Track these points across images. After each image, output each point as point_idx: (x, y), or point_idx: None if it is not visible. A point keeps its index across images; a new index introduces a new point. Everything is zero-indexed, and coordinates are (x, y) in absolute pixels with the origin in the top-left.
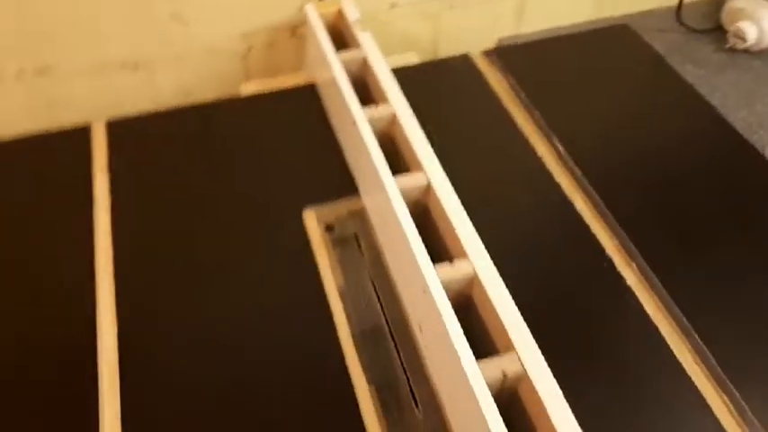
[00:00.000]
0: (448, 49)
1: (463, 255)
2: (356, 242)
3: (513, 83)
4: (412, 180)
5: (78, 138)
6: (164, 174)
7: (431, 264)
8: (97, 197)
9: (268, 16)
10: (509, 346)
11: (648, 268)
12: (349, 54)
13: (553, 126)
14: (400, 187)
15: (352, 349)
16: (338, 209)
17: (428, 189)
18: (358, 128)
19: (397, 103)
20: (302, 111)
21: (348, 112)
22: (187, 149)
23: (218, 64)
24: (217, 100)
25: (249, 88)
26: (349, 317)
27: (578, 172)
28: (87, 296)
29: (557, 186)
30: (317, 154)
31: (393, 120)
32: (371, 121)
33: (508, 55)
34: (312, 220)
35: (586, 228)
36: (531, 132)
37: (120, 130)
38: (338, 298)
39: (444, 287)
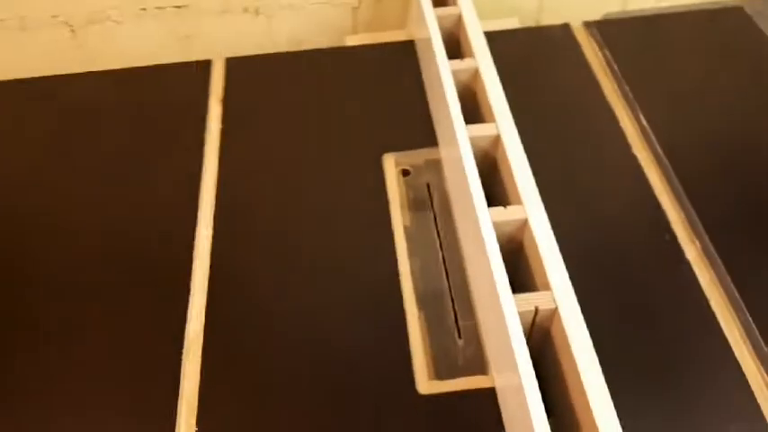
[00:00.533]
0: (552, 19)
1: (518, 201)
2: (427, 189)
3: (609, 56)
4: (482, 130)
5: (200, 71)
6: (271, 108)
7: (485, 205)
8: (210, 123)
9: None
10: (546, 286)
11: (711, 247)
12: (445, 10)
13: (640, 101)
14: (470, 135)
15: (409, 280)
16: (416, 157)
17: (497, 140)
18: (441, 79)
19: (482, 58)
20: (399, 64)
21: (435, 64)
22: (293, 89)
23: (330, 15)
24: (325, 48)
25: (354, 40)
26: (410, 252)
27: (658, 148)
28: (190, 211)
29: (633, 158)
30: (406, 105)
31: (476, 74)
32: (454, 73)
33: (609, 28)
34: (390, 164)
35: (656, 200)
36: (617, 105)
37: (236, 67)
38: (403, 233)
39: (495, 227)
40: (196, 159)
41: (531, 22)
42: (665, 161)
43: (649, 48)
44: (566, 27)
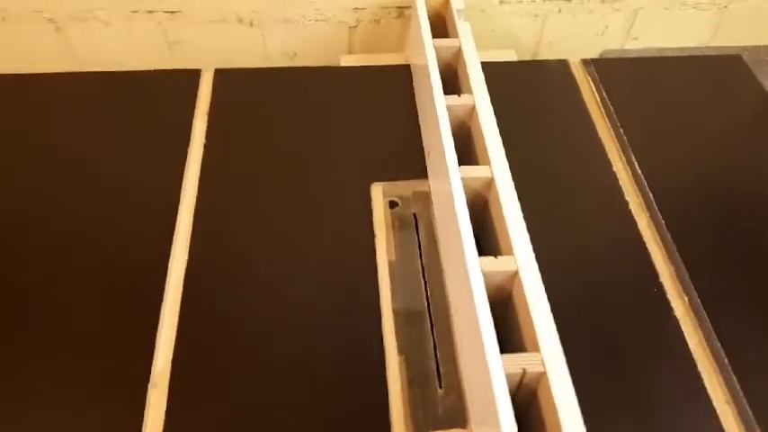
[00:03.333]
0: (549, 53)
1: (509, 251)
2: (414, 221)
3: (605, 96)
4: (476, 171)
5: (188, 81)
6: (258, 126)
7: (476, 253)
8: (193, 137)
9: None
10: (535, 346)
11: (700, 304)
12: (444, 41)
13: (634, 144)
14: (463, 176)
15: (390, 319)
16: (404, 188)
17: (490, 183)
18: (437, 115)
19: (479, 95)
20: (393, 89)
21: (430, 97)
22: (282, 107)
23: (327, 33)
24: (317, 66)
25: (349, 60)
26: (394, 291)
27: (650, 194)
28: (165, 232)
29: (624, 204)
30: (397, 132)
31: (472, 111)
32: (450, 109)
33: (606, 67)
34: (378, 194)
35: (645, 250)
36: (611, 147)
37: (225, 80)
38: (387, 268)
39: (485, 278)
40: (176, 176)
41: (528, 55)
42: (656, 209)
43: (646, 90)
44: (563, 63)
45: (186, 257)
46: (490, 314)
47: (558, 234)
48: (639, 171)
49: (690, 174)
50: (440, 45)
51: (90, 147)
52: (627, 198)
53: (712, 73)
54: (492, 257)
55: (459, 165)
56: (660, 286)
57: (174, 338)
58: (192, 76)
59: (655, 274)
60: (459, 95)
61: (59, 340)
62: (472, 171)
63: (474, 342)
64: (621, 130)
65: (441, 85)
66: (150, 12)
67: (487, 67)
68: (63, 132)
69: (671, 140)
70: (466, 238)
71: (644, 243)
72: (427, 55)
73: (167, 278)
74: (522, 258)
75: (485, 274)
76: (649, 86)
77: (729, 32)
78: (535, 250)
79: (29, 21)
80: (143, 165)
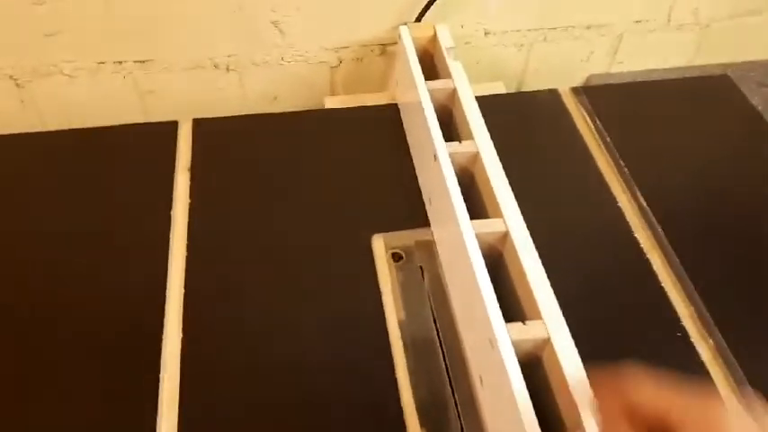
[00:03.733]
0: (535, 81)
1: (537, 315)
2: (421, 274)
3: (599, 125)
4: (489, 225)
5: (165, 133)
6: (245, 179)
7: (503, 324)
8: (176, 198)
9: (362, 32)
10: (578, 424)
11: (725, 345)
12: (438, 83)
13: (636, 176)
14: (477, 232)
15: (408, 390)
16: (406, 238)
17: (505, 237)
18: (439, 163)
19: (482, 141)
20: (382, 131)
21: (430, 145)
22: (269, 157)
23: (307, 74)
24: (301, 110)
25: (334, 102)
26: (408, 354)
27: (659, 228)
28: (157, 295)
29: (635, 241)
30: (392, 177)
31: (475, 158)
32: (452, 156)
33: (597, 95)
34: (380, 247)
35: (662, 291)
36: (612, 180)
37: (205, 130)
38: (398, 331)
39: (514, 346)
40: (161, 243)
41: (514, 84)
42: (667, 244)
43: (639, 116)
44: (554, 93)
45: (180, 335)
46: (526, 391)
47: (571, 283)
48: (645, 204)
49: (695, 201)
50: (433, 87)
51: (62, 214)
52: (636, 235)
53: (702, 93)
54: (520, 324)
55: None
56: (683, 329)
57: (176, 421)
58: (169, 128)
59: (676, 317)
60: (460, 142)
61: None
62: (485, 226)
63: (509, 416)
64: (621, 162)
65: (440, 132)
66: (119, 62)
67: (478, 101)
68: (31, 200)
69: (671, 167)
70: (490, 307)
71: (661, 285)
72: (421, 98)
73: (162, 357)
74: (552, 324)
75: (514, 343)
76: (642, 112)
77: (712, 50)
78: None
79: None
80: (123, 234)
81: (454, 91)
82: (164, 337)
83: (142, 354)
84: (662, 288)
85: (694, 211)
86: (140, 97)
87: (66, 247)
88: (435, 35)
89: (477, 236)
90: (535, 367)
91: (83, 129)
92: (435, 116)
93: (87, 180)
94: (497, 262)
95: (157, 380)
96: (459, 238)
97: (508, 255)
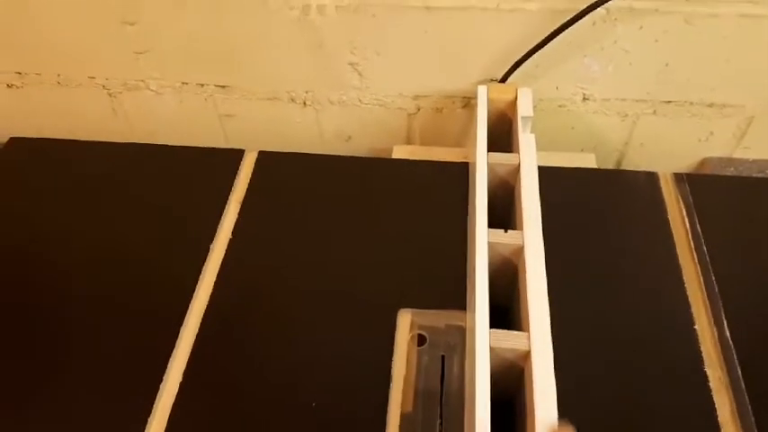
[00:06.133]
0: (640, 156)
1: None
2: (441, 364)
3: (697, 225)
4: (510, 340)
5: (230, 160)
6: (291, 222)
7: None
8: (221, 228)
9: (444, 82)
10: None
11: None
12: (501, 157)
13: (727, 298)
14: (493, 345)
15: None
16: (436, 318)
17: (526, 355)
18: (476, 252)
19: (531, 235)
20: (448, 192)
21: (473, 230)
22: (321, 202)
23: (384, 118)
24: (367, 157)
25: (403, 152)
26: None
27: (738, 370)
28: (176, 318)
29: (704, 379)
30: (443, 246)
31: (519, 252)
32: (494, 246)
33: (704, 186)
34: (405, 324)
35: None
36: (696, 298)
37: (267, 164)
38: (398, 420)
39: None
40: (194, 270)
41: (615, 157)
42: (744, 392)
43: (750, 219)
44: (651, 176)
45: (184, 368)
46: None
47: (614, 413)
48: (728, 335)
49: None
50: (495, 162)
51: (115, 222)
52: (707, 371)
53: None
54: None
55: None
56: None
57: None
58: (235, 156)
59: None
60: (506, 231)
61: None
62: (505, 340)
63: None
64: (713, 276)
65: (485, 218)
66: (201, 84)
67: (559, 174)
68: (93, 203)
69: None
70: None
71: (717, 416)
72: (478, 174)
73: (162, 384)
74: None
75: None
76: (755, 216)
77: None
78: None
79: (83, 86)
80: (163, 251)
81: (518, 168)
82: (168, 365)
83: (146, 373)
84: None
85: None
86: (219, 119)
87: (109, 247)
88: (515, 100)
89: (493, 350)
90: None
91: (159, 145)
92: (485, 196)
93: (148, 193)
94: (518, 380)
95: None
96: (474, 346)
97: (527, 379)
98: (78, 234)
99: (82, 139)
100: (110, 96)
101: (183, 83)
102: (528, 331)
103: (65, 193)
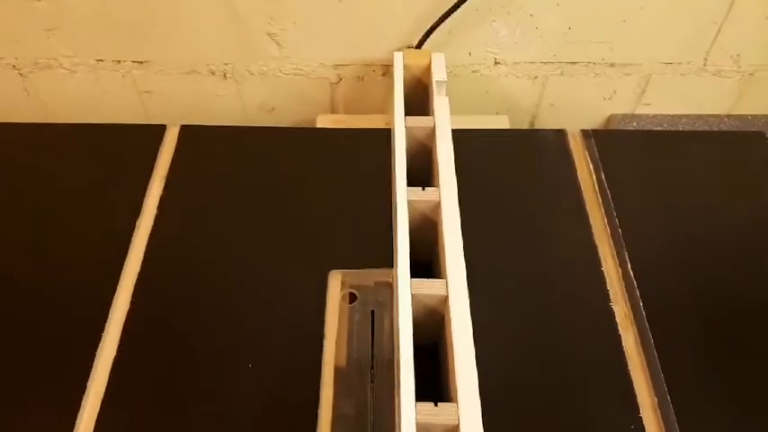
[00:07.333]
0: (550, 116)
1: (454, 398)
2: (371, 319)
3: (602, 177)
4: (430, 287)
5: (152, 136)
6: (217, 194)
7: (413, 399)
8: (146, 204)
9: (363, 51)
10: None
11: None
12: (416, 120)
13: (630, 241)
14: (414, 292)
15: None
16: (365, 277)
17: (444, 300)
18: (397, 209)
19: (447, 191)
20: (372, 157)
21: (394, 190)
22: (246, 173)
23: (307, 88)
24: (290, 127)
25: (326, 121)
26: (336, 406)
27: (640, 305)
28: (105, 300)
29: (610, 313)
30: (369, 210)
31: (436, 207)
32: (413, 204)
33: (609, 140)
34: (336, 284)
35: (627, 374)
36: (602, 240)
37: (189, 138)
38: (332, 377)
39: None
40: (121, 245)
41: (528, 118)
42: (646, 324)
43: (652, 171)
44: (560, 134)
45: (117, 342)
46: None
47: (531, 347)
48: (632, 274)
49: (689, 279)
50: (412, 125)
51: (37, 204)
52: (613, 306)
53: (730, 152)
54: (432, 404)
55: (417, 267)
56: (639, 422)
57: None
58: (157, 131)
59: (635, 407)
60: (424, 189)
61: None
62: (427, 287)
63: None
64: (617, 221)
65: (404, 177)
66: (117, 61)
67: (474, 135)
68: (11, 185)
69: (675, 236)
70: (405, 381)
71: (628, 369)
72: (396, 137)
73: (95, 361)
74: (464, 408)
75: (420, 424)
76: (656, 164)
77: (754, 101)
78: (501, 357)
79: None
80: (89, 230)
81: (434, 130)
82: (101, 341)
83: (78, 351)
84: (628, 372)
85: (685, 291)
86: (139, 96)
87: (33, 231)
88: (430, 64)
89: (415, 296)
90: None
91: (77, 124)
92: (404, 157)
93: (69, 172)
94: (440, 324)
95: (85, 383)
96: (397, 294)
97: (447, 323)
98: None
99: None
100: (21, 76)
101: (97, 60)
102: (446, 278)
103: None
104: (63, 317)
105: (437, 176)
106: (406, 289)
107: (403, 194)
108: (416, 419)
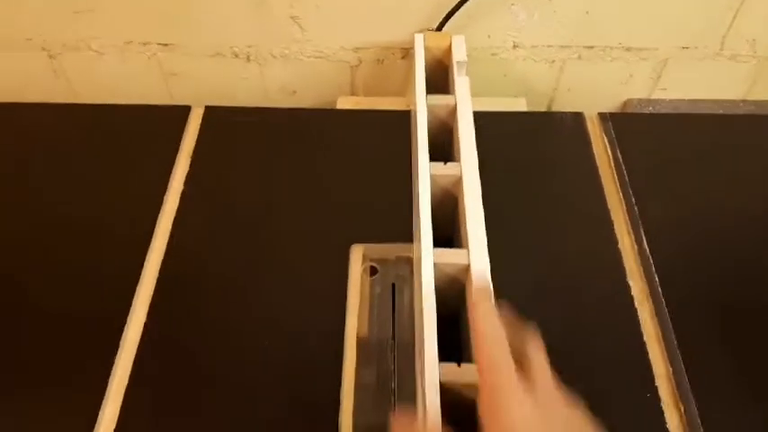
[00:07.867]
0: (567, 100)
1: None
2: (392, 292)
3: (620, 158)
4: (452, 256)
5: (177, 116)
6: (242, 172)
7: (437, 362)
8: (172, 182)
9: (383, 34)
10: None
11: (696, 414)
12: (438, 98)
13: (647, 220)
14: (437, 261)
15: (350, 402)
16: (387, 251)
17: (466, 269)
18: (419, 184)
19: (468, 165)
20: (392, 138)
21: (416, 165)
22: (270, 152)
23: (327, 71)
24: (312, 108)
25: (347, 103)
26: (358, 382)
27: (656, 279)
28: (128, 284)
29: (626, 288)
30: (390, 187)
31: (458, 182)
32: (435, 178)
33: (626, 123)
34: (357, 258)
35: (643, 346)
36: (619, 218)
37: (214, 118)
38: (354, 348)
39: (443, 387)
40: (148, 221)
41: (545, 102)
42: (662, 300)
43: (668, 152)
44: (578, 117)
45: (145, 314)
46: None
47: (550, 322)
48: (648, 251)
49: (704, 257)
50: (433, 103)
51: (64, 183)
52: (630, 282)
53: (746, 136)
54: (455, 365)
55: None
56: (655, 391)
57: (123, 393)
58: (181, 112)
59: (651, 377)
60: (446, 163)
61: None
62: (448, 256)
63: None
64: (633, 200)
65: (426, 153)
66: (144, 43)
67: (493, 118)
68: (39, 165)
69: (692, 218)
70: (428, 347)
71: (643, 340)
72: (418, 115)
73: (122, 339)
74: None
75: (443, 384)
76: (672, 147)
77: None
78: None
79: (21, 48)
80: (115, 210)
81: (455, 108)
82: (127, 321)
83: (104, 334)
84: (644, 343)
85: (700, 268)
86: (164, 78)
87: (61, 210)
88: (450, 46)
89: (436, 265)
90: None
91: (103, 105)
92: (426, 133)
93: (95, 153)
94: (459, 296)
95: (112, 363)
96: (419, 265)
97: (468, 289)
98: (27, 197)
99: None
100: (50, 58)
101: (125, 42)
102: (467, 248)
103: (8, 157)
104: (89, 297)
105: (458, 152)
106: (429, 254)
107: (425, 168)
108: (440, 380)
